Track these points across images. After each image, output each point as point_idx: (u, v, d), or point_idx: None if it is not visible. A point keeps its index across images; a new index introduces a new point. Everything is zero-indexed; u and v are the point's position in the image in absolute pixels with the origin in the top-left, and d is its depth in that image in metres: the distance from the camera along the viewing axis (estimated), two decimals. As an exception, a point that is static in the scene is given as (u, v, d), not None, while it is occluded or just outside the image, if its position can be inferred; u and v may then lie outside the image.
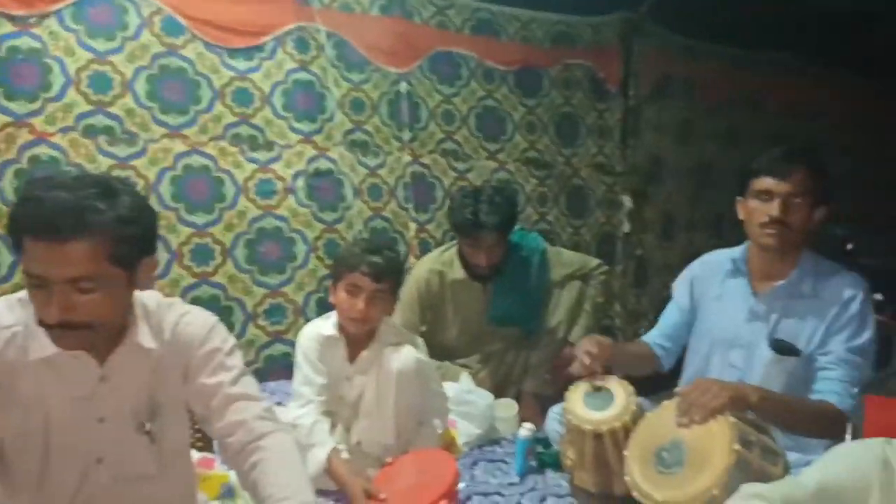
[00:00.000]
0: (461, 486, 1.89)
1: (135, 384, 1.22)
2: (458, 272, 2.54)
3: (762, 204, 1.75)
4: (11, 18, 2.31)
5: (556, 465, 2.04)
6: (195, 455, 1.73)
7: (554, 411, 2.04)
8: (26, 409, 1.14)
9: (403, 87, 3.10)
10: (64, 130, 2.40)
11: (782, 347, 1.74)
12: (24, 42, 2.34)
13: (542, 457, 2.10)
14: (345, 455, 1.90)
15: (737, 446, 1.44)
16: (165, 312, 1.26)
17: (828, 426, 1.61)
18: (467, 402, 2.24)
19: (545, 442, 2.15)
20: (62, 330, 1.09)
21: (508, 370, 2.61)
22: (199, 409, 1.29)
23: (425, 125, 3.18)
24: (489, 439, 2.28)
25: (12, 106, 2.32)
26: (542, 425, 2.26)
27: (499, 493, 1.95)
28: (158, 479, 1.25)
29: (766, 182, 1.74)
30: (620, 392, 1.79)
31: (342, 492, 1.80)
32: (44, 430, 1.15)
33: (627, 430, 1.71)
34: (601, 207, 3.71)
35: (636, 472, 1.58)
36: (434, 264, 2.58)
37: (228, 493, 1.70)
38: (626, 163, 3.72)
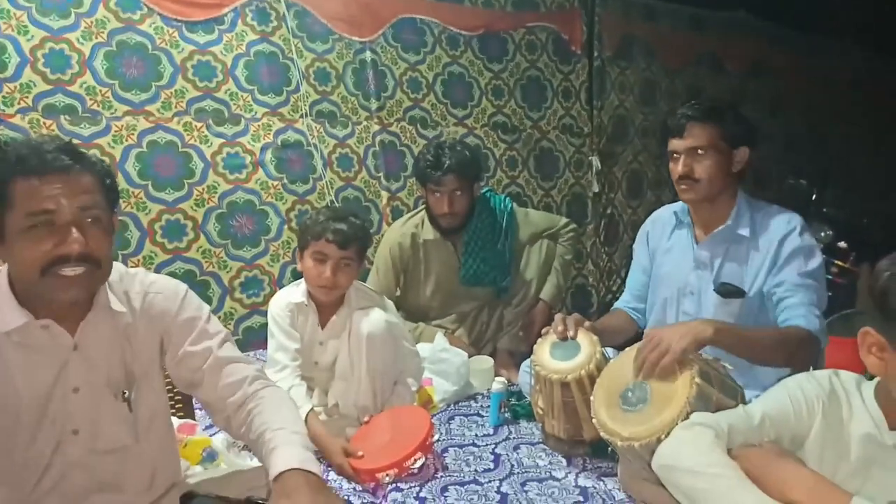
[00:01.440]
0: (435, 438, 1.95)
1: (108, 352, 1.22)
2: (428, 233, 2.59)
3: (673, 163, 1.86)
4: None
5: (529, 415, 2.12)
6: (176, 422, 1.77)
7: (526, 365, 2.11)
8: None
9: (368, 55, 3.10)
10: (23, 111, 2.38)
11: (727, 290, 1.83)
12: (-24, 21, 2.30)
13: (515, 408, 2.17)
14: (323, 417, 1.96)
15: (697, 380, 1.52)
16: (131, 281, 1.27)
17: (797, 350, 1.67)
18: (442, 360, 2.30)
19: (518, 395, 2.22)
20: (75, 269, 1.09)
21: (483, 328, 2.67)
22: (186, 376, 1.30)
23: (392, 93, 3.19)
24: (465, 395, 2.35)
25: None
26: (515, 379, 2.34)
27: (474, 444, 2.02)
28: (136, 448, 1.24)
29: (671, 143, 1.86)
30: (586, 342, 1.86)
31: (321, 452, 1.86)
32: (15, 404, 1.14)
33: (593, 379, 1.78)
34: (570, 169, 3.76)
35: (602, 413, 1.66)
36: (405, 227, 2.62)
37: (210, 456, 1.73)
38: (592, 124, 3.77)
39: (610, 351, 1.97)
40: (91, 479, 1.20)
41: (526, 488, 1.77)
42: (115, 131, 2.57)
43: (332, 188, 3.05)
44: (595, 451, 1.90)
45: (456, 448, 1.99)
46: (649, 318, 2.06)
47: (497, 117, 3.51)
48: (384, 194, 3.18)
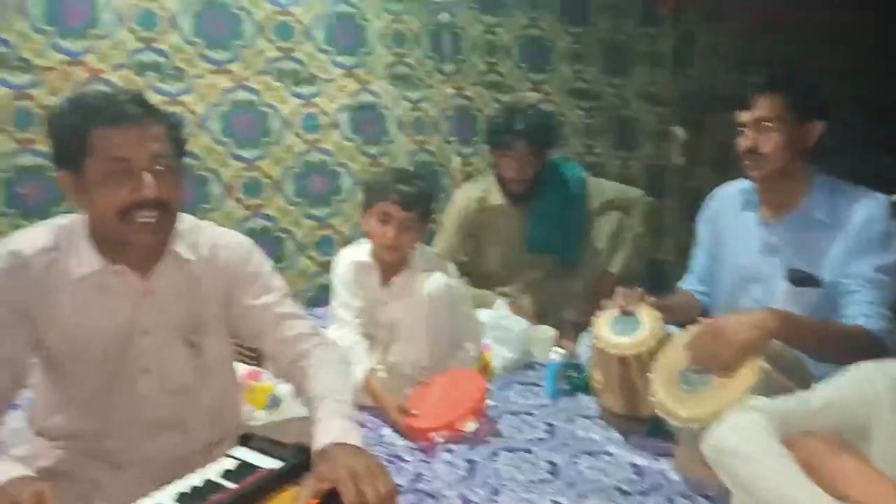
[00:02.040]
0: (490, 403, 1.96)
1: (177, 297, 1.28)
2: (496, 197, 2.56)
3: (739, 137, 1.73)
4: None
5: (588, 389, 2.08)
6: (244, 368, 1.87)
7: (586, 337, 2.07)
8: (74, 326, 1.21)
9: (445, 17, 3.07)
10: (117, 67, 2.51)
11: (800, 278, 1.69)
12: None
13: (573, 381, 2.14)
14: (383, 375, 2.00)
15: (764, 364, 1.45)
16: (200, 232, 1.32)
17: (859, 350, 1.56)
18: (502, 327, 2.30)
19: (578, 367, 2.19)
20: (148, 213, 1.15)
21: (548, 298, 2.63)
22: (248, 328, 1.35)
23: (467, 57, 3.15)
24: (524, 364, 2.34)
25: (65, 44, 2.42)
26: (576, 352, 2.31)
27: (528, 413, 2.01)
28: (200, 390, 1.31)
29: (739, 115, 1.73)
30: (647, 318, 1.81)
31: (378, 408, 1.91)
32: (93, 343, 1.22)
33: (653, 355, 1.73)
34: (651, 139, 3.61)
35: (661, 392, 1.61)
36: (474, 191, 2.61)
37: (274, 403, 1.82)
38: (678, 92, 3.59)
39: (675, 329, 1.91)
40: (159, 416, 1.28)
41: (577, 460, 1.75)
42: (199, 89, 2.67)
43: (405, 151, 3.07)
44: (653, 430, 1.84)
45: (510, 415, 1.99)
46: (715, 302, 1.96)
47: (576, 83, 3.40)
48: (456, 159, 3.17)
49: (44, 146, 2.39)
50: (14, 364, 1.18)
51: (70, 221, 1.24)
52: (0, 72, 2.35)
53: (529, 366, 2.35)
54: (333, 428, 1.13)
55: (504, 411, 2.01)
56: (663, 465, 1.72)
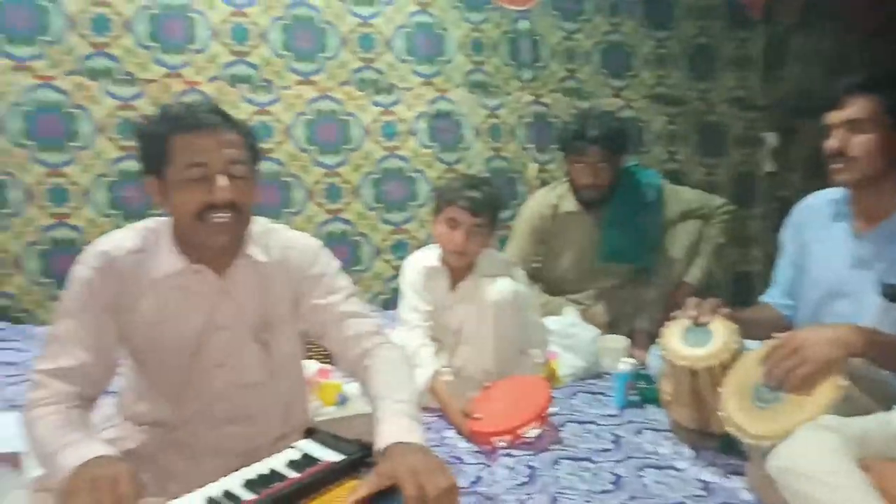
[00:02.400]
0: (554, 411, 1.95)
1: (250, 297, 1.34)
2: (570, 204, 2.54)
3: (827, 139, 1.64)
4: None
5: (657, 400, 2.03)
6: (314, 366, 1.95)
7: (657, 348, 2.02)
8: (157, 322, 1.29)
9: (524, 25, 3.08)
10: (211, 79, 2.68)
11: (895, 293, 1.59)
12: (173, -2, 2.63)
13: (643, 392, 2.10)
14: (448, 378, 2.03)
15: (843, 382, 1.37)
16: (271, 234, 1.39)
17: None
18: (571, 335, 2.28)
19: (649, 378, 2.14)
20: (222, 214, 1.21)
21: (621, 307, 2.59)
22: (314, 327, 1.41)
23: (546, 63, 3.15)
24: (593, 373, 2.31)
25: (166, 58, 2.62)
26: (646, 362, 2.26)
27: (594, 423, 1.98)
28: (270, 386, 1.37)
29: (828, 116, 1.64)
30: (721, 330, 1.74)
31: (442, 410, 1.94)
32: (173, 339, 1.30)
33: (725, 369, 1.67)
34: (739, 145, 3.47)
35: (731, 406, 1.55)
36: (547, 197, 2.60)
37: (343, 400, 1.88)
38: (769, 97, 3.43)
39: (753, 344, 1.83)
40: (231, 409, 1.35)
41: (642, 474, 1.71)
42: (286, 99, 2.81)
43: (480, 158, 3.10)
44: (725, 446, 1.78)
45: (575, 424, 1.97)
46: (798, 317, 1.86)
47: (658, 88, 3.32)
48: (532, 166, 3.17)
49: (146, 153, 2.59)
50: (106, 355, 1.27)
51: (156, 224, 1.33)
52: (107, 84, 2.57)
53: (598, 375, 2.32)
54: (395, 426, 1.15)
55: (568, 419, 1.99)
56: (735, 483, 1.66)
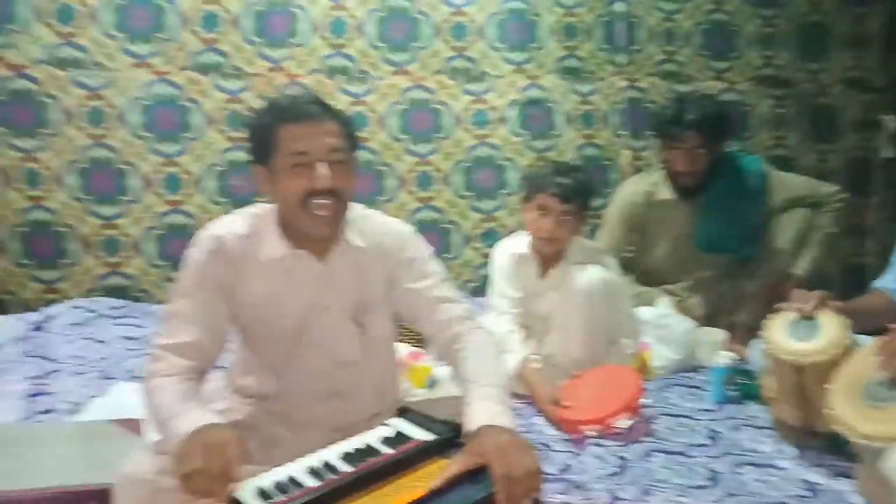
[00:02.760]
0: (646, 402, 1.91)
1: (348, 280, 1.40)
2: (665, 192, 2.46)
3: None
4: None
5: (758, 397, 1.95)
6: (406, 349, 2.00)
7: (759, 342, 1.93)
8: (263, 303, 1.37)
9: (620, 7, 3.00)
10: (311, 72, 2.79)
11: None
12: (275, -6, 2.74)
13: (743, 387, 2.01)
14: (537, 365, 2.03)
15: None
16: (368, 220, 1.44)
17: None
18: (664, 326, 2.21)
19: (749, 373, 2.05)
20: (323, 200, 1.27)
21: (719, 300, 2.48)
22: (406, 311, 1.45)
23: (643, 47, 3.05)
24: (688, 366, 2.24)
25: (270, 52, 2.75)
26: (747, 357, 2.17)
27: (689, 417, 1.93)
28: (364, 365, 1.42)
29: None
30: (830, 324, 1.65)
31: (531, 397, 1.94)
32: (280, 319, 1.37)
33: (834, 365, 1.58)
34: (854, 129, 3.23)
35: (840, 405, 1.48)
36: (641, 185, 2.52)
37: (432, 383, 1.92)
38: (889, 77, 3.17)
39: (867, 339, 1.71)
40: (328, 385, 1.41)
41: (740, 471, 1.65)
42: (380, 90, 2.88)
43: (572, 145, 3.05)
44: (833, 446, 1.68)
45: (668, 417, 1.92)
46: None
47: (765, 70, 3.15)
48: (626, 153, 3.09)
49: (251, 143, 2.73)
50: (218, 332, 1.36)
51: (262, 210, 1.41)
52: (217, 79, 2.73)
53: (693, 368, 2.24)
54: (485, 410, 1.18)
55: (661, 412, 1.95)
56: (843, 485, 1.57)
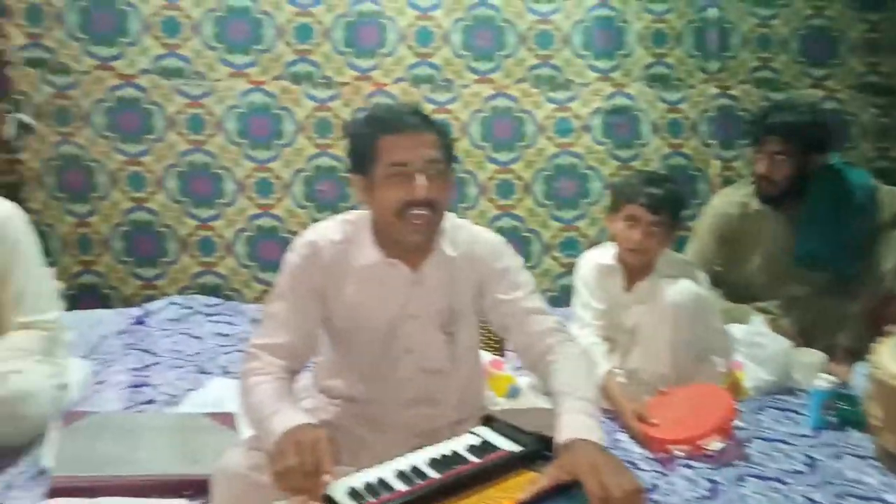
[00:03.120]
0: (738, 425, 1.83)
1: (439, 289, 1.41)
2: (760, 203, 2.35)
3: None
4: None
5: (862, 424, 1.83)
6: (487, 357, 1.99)
7: (864, 365, 1.82)
8: (354, 308, 1.39)
9: (712, 13, 2.90)
10: (397, 81, 2.84)
11: None
12: (367, 6, 2.80)
13: (844, 413, 1.89)
14: (621, 379, 1.98)
15: None
16: (458, 230, 1.44)
17: None
18: (758, 345, 2.11)
19: (852, 399, 1.93)
20: (420, 211, 1.29)
21: (817, 319, 2.34)
22: (497, 321, 1.44)
23: (736, 53, 2.94)
24: (783, 388, 2.12)
25: (358, 62, 2.82)
26: (849, 381, 2.04)
27: (785, 442, 1.82)
28: (451, 372, 1.43)
29: None
30: (948, 349, 1.53)
31: (615, 412, 1.90)
32: (371, 324, 1.40)
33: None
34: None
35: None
36: (735, 195, 2.43)
37: (513, 392, 1.90)
38: None
39: None
40: (417, 392, 1.43)
41: (842, 502, 1.55)
42: (464, 98, 2.90)
43: (658, 154, 2.98)
44: (947, 482, 1.56)
45: (762, 441, 1.83)
46: None
47: (868, 77, 2.98)
48: (715, 163, 2.98)
49: (338, 150, 2.81)
50: (310, 334, 1.40)
51: (356, 217, 1.43)
52: (308, 88, 2.82)
53: (789, 391, 2.12)
54: (576, 423, 1.15)
55: (755, 436, 1.85)
56: (960, 526, 1.45)
